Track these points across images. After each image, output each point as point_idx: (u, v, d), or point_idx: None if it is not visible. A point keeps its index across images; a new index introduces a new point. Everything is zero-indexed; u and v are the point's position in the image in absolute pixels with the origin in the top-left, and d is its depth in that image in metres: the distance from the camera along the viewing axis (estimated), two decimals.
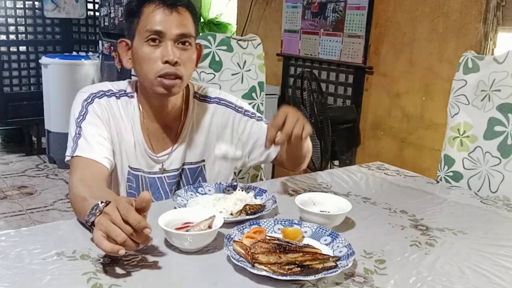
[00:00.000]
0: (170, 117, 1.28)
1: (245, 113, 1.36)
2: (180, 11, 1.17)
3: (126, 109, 1.26)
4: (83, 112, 1.21)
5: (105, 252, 0.79)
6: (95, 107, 1.22)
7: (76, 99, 1.24)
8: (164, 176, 1.30)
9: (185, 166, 1.32)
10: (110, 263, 0.85)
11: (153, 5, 1.16)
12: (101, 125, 1.21)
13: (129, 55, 1.22)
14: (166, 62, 1.15)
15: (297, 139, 1.10)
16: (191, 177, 1.33)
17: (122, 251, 0.78)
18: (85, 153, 1.14)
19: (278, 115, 1.10)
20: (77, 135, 1.17)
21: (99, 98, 1.23)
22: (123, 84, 1.29)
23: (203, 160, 1.34)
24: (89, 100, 1.22)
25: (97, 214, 0.88)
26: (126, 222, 0.79)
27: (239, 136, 1.35)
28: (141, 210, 0.83)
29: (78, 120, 1.20)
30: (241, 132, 1.35)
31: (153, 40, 1.15)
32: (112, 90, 1.26)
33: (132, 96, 1.27)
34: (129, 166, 1.28)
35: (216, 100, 1.35)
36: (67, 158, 1.18)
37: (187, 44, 1.18)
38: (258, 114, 1.39)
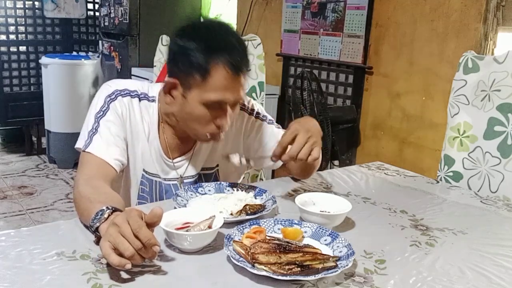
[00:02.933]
0: None
1: (256, 115, 1.35)
2: (243, 74, 1.13)
3: (145, 113, 1.23)
4: (104, 108, 1.18)
5: (112, 265, 0.79)
6: (117, 105, 1.19)
7: (100, 91, 1.22)
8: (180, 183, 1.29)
9: (202, 172, 1.32)
10: None
11: (223, 71, 1.09)
12: (119, 124, 1.19)
13: (174, 94, 1.16)
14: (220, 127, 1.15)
15: (302, 161, 1.10)
16: (206, 182, 1.32)
17: (129, 265, 0.78)
18: (98, 151, 1.13)
19: (287, 133, 1.10)
20: (94, 131, 1.16)
21: (123, 97, 1.21)
22: (146, 86, 1.26)
23: (217, 165, 1.34)
24: (112, 97, 1.20)
25: (102, 220, 0.88)
26: (136, 237, 0.79)
27: (248, 137, 1.35)
28: (151, 225, 0.82)
29: (98, 116, 1.17)
30: (250, 134, 1.35)
31: (214, 105, 1.12)
32: (136, 91, 1.23)
33: (153, 101, 1.24)
34: (144, 170, 1.26)
35: None
36: (77, 146, 1.17)
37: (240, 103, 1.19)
38: (269, 117, 1.38)
